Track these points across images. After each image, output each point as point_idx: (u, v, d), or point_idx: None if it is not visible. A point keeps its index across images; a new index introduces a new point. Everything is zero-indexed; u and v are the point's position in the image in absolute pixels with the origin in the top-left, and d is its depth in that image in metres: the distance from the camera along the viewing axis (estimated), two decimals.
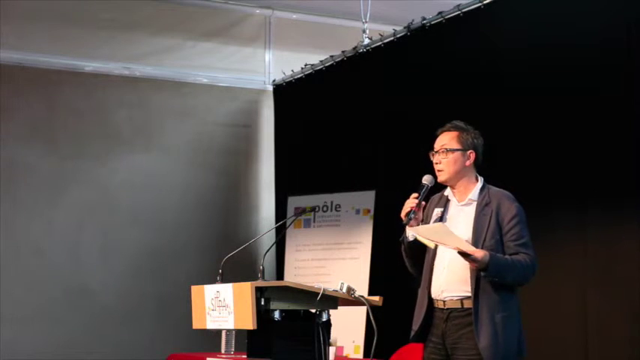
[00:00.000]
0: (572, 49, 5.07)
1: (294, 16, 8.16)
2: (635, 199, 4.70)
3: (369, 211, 6.80)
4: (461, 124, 4.19)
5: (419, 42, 6.35)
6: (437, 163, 4.13)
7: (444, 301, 4.03)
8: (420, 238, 4.02)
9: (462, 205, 4.12)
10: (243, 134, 8.07)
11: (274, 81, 8.04)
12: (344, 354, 6.48)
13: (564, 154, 5.12)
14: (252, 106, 8.12)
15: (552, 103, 5.21)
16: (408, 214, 4.07)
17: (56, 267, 7.31)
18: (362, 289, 6.19)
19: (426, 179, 4.15)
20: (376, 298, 4.13)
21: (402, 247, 4.20)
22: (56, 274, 7.30)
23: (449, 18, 6.03)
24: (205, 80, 7.92)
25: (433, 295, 4.08)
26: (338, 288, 4.01)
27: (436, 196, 4.26)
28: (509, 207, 4.03)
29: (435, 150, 4.15)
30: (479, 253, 3.87)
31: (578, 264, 4.98)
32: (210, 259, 6.76)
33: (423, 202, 4.13)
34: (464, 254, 3.88)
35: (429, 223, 4.12)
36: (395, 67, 6.61)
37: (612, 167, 4.83)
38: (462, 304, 3.99)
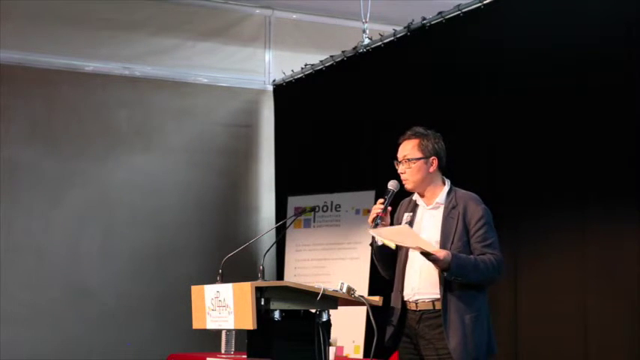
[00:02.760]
0: (572, 49, 5.06)
1: (294, 16, 8.16)
2: (635, 199, 4.69)
3: (369, 211, 6.76)
4: (420, 129, 4.25)
5: (419, 42, 6.35)
6: (402, 173, 4.21)
7: (417, 303, 4.11)
8: (380, 239, 4.10)
9: (430, 209, 4.21)
10: (243, 134, 8.07)
11: (274, 81, 8.04)
12: (344, 354, 6.48)
13: (564, 154, 5.12)
14: (252, 106, 8.12)
15: (552, 103, 5.21)
16: (374, 219, 4.15)
17: (56, 267, 7.31)
18: (362, 289, 6.19)
19: (392, 184, 4.23)
20: (376, 298, 4.13)
21: (372, 251, 4.28)
22: (56, 274, 7.30)
23: (449, 18, 6.02)
24: (205, 80, 7.92)
25: (406, 298, 4.15)
26: (338, 288, 4.02)
27: (405, 201, 4.34)
28: (475, 209, 4.10)
29: (398, 160, 4.22)
30: (440, 253, 3.95)
31: (578, 264, 4.98)
32: (210, 259, 6.75)
33: (390, 207, 4.20)
34: (426, 254, 3.95)
35: (388, 224, 4.19)
36: (395, 67, 6.61)
37: (612, 167, 4.83)
38: (433, 305, 4.07)
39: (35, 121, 7.35)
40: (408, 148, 4.21)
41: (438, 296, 4.04)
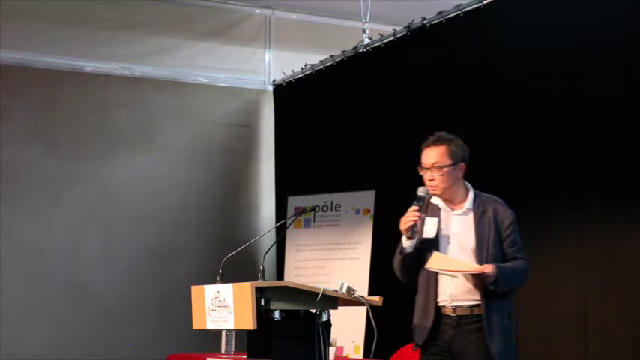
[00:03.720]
0: (572, 49, 5.06)
1: (294, 16, 8.16)
2: (635, 199, 4.69)
3: (369, 211, 6.80)
4: (446, 135, 4.24)
5: (419, 42, 6.35)
6: (430, 180, 4.18)
7: (454, 309, 4.13)
8: (444, 273, 4.09)
9: (460, 215, 4.20)
10: (243, 134, 8.07)
11: (274, 81, 8.04)
12: (344, 354, 6.48)
13: (564, 154, 5.12)
14: (252, 106, 8.12)
15: (552, 103, 5.21)
16: (411, 227, 4.12)
17: (56, 267, 7.31)
18: (362, 289, 6.19)
19: (422, 191, 4.20)
20: (376, 298, 4.13)
21: (399, 257, 4.23)
22: (56, 274, 7.30)
23: (449, 18, 6.02)
24: (205, 80, 7.92)
25: (441, 304, 4.16)
26: (338, 288, 4.02)
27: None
28: (504, 214, 4.17)
29: (426, 167, 4.19)
30: (488, 269, 4.01)
31: (578, 264, 4.98)
32: (210, 259, 6.75)
33: (423, 214, 4.18)
34: (478, 275, 4.01)
35: (421, 231, 4.18)
36: (395, 67, 6.61)
37: (612, 167, 4.83)
38: (471, 310, 4.11)
39: (35, 121, 7.35)
40: (437, 155, 4.18)
41: (476, 302, 4.10)
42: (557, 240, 5.13)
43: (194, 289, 4.29)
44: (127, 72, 7.65)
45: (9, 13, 7.19)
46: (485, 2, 5.70)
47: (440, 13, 6.10)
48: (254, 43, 8.08)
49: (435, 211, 4.23)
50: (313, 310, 4.05)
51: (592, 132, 4.95)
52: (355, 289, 4.05)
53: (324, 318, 4.06)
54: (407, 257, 4.19)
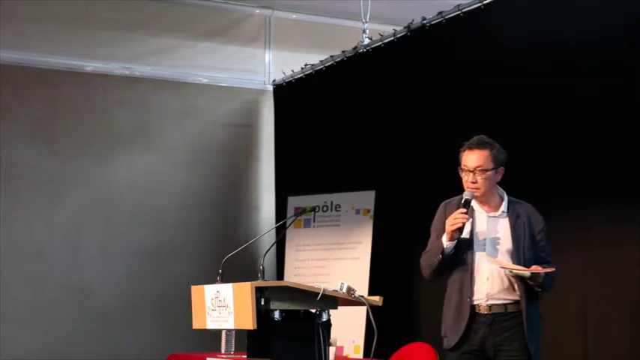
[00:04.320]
0: (573, 48, 5.06)
1: (294, 16, 8.16)
2: (635, 199, 4.69)
3: (369, 211, 6.79)
4: (487, 139, 4.31)
5: (419, 42, 6.35)
6: (473, 182, 4.23)
7: (490, 307, 4.19)
8: (518, 273, 4.14)
9: (497, 217, 4.27)
10: (243, 134, 8.07)
11: (274, 81, 8.04)
12: (344, 354, 6.48)
13: (565, 154, 5.12)
14: (252, 106, 8.12)
15: (552, 102, 5.21)
16: (460, 229, 4.17)
17: (56, 267, 7.30)
18: (362, 289, 6.19)
19: (468, 195, 4.24)
20: (376, 298, 4.13)
21: (437, 258, 4.23)
22: (56, 274, 7.30)
23: (449, 18, 6.02)
24: (205, 80, 7.92)
25: (476, 302, 4.20)
26: (338, 288, 4.01)
27: (454, 203, 4.33)
28: (537, 219, 4.29)
29: (470, 169, 4.23)
30: (539, 269, 4.11)
31: (579, 264, 4.98)
32: (210, 259, 6.76)
33: (468, 216, 4.22)
34: (531, 276, 4.11)
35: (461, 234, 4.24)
36: (395, 67, 6.61)
37: (613, 167, 4.83)
38: (506, 308, 4.19)
39: (35, 121, 7.35)
40: (482, 159, 4.24)
41: (511, 300, 4.18)
42: (558, 240, 5.11)
43: (194, 289, 4.28)
44: (127, 72, 7.65)
45: (9, 13, 7.19)
46: (485, 2, 5.70)
47: (440, 13, 6.10)
48: (254, 43, 8.08)
49: (469, 212, 4.25)
50: (313, 310, 4.04)
51: (592, 132, 4.95)
52: (355, 289, 4.05)
53: (324, 318, 4.06)
54: (446, 258, 4.23)
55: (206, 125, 7.90)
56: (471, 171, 4.23)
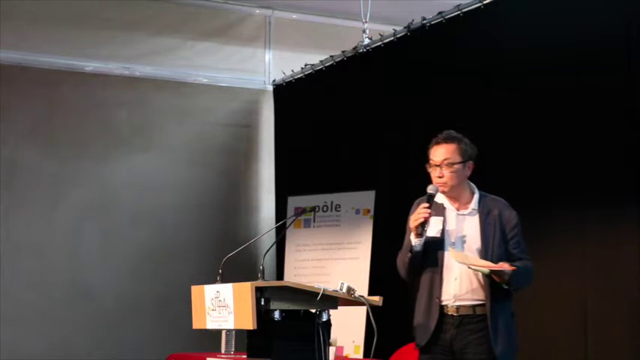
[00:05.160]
0: (572, 48, 5.06)
1: (294, 16, 8.16)
2: (634, 198, 4.69)
3: (369, 211, 6.80)
4: (456, 134, 4.25)
5: (419, 42, 6.35)
6: (440, 177, 4.17)
7: (457, 308, 4.12)
8: (475, 268, 4.07)
9: (465, 215, 4.21)
10: (243, 134, 8.07)
11: (274, 81, 8.04)
12: (344, 354, 6.48)
13: (564, 154, 5.12)
14: (252, 106, 8.12)
15: (552, 103, 5.21)
16: (421, 225, 4.11)
17: (56, 267, 7.31)
18: (362, 289, 6.19)
19: (432, 189, 4.18)
20: (376, 298, 4.13)
21: (407, 256, 4.19)
22: (56, 274, 7.30)
23: (449, 18, 6.02)
24: (205, 80, 7.92)
25: (444, 303, 4.14)
26: (338, 288, 4.02)
27: (420, 201, 4.26)
28: (509, 215, 4.20)
29: (436, 163, 4.18)
30: (505, 266, 4.03)
31: (578, 264, 4.98)
32: (210, 259, 6.75)
33: (432, 212, 4.15)
34: (496, 272, 4.02)
35: (426, 229, 4.15)
36: (395, 67, 6.61)
37: (612, 167, 4.83)
38: (474, 310, 4.11)
39: (35, 121, 7.35)
40: (448, 152, 4.18)
41: (479, 302, 4.11)
42: (557, 240, 5.13)
43: (194, 289, 4.29)
44: (127, 72, 7.65)
45: (9, 13, 7.19)
46: (485, 2, 5.70)
47: (440, 13, 6.10)
48: (254, 43, 8.08)
49: (440, 210, 4.21)
50: (313, 310, 4.05)
51: (592, 132, 4.95)
52: (355, 289, 4.05)
53: (324, 318, 4.06)
54: (415, 256, 4.17)
55: (206, 125, 7.90)
56: (438, 165, 4.17)
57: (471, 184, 4.28)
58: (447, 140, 4.21)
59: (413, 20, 6.39)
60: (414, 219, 4.12)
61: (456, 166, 4.16)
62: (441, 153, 4.19)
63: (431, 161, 4.22)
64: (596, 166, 4.91)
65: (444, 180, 4.17)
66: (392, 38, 6.61)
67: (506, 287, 4.07)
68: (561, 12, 5.17)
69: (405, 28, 6.46)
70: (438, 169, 4.18)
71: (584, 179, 4.98)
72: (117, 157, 7.58)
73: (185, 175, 7.78)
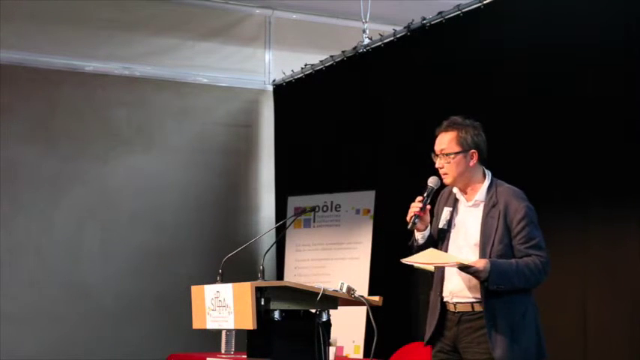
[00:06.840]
0: (572, 48, 5.06)
1: (294, 16, 8.16)
2: (636, 198, 4.69)
3: (369, 211, 6.80)
4: (459, 120, 4.03)
5: (419, 42, 6.35)
6: (440, 167, 4.00)
7: (455, 305, 3.96)
8: (419, 266, 3.99)
9: (470, 207, 4.00)
10: (243, 134, 8.07)
11: (274, 81, 8.04)
12: (344, 354, 6.48)
13: (565, 154, 5.12)
14: (252, 106, 8.12)
15: (552, 102, 5.21)
16: (412, 218, 3.98)
17: (56, 267, 7.31)
18: (362, 289, 6.19)
19: (432, 181, 4.03)
20: (376, 298, 4.12)
21: (412, 251, 4.09)
22: (56, 273, 7.30)
23: (449, 18, 6.02)
24: (205, 80, 7.92)
25: (445, 299, 4.01)
26: (338, 288, 4.01)
27: (445, 191, 4.14)
28: (516, 207, 3.89)
29: (436, 153, 4.02)
30: (479, 264, 3.78)
31: (579, 264, 4.98)
32: (210, 259, 6.75)
33: (429, 206, 4.01)
34: (464, 268, 3.81)
35: (439, 221, 4.05)
36: (395, 67, 6.61)
37: (613, 167, 4.82)
38: (472, 307, 3.91)
39: (35, 121, 7.35)
40: (446, 142, 3.96)
41: (476, 300, 3.89)
42: (558, 240, 5.11)
43: (194, 289, 4.29)
44: (127, 72, 7.65)
45: (9, 13, 7.19)
46: (485, 2, 5.70)
47: (440, 13, 6.10)
48: (254, 43, 8.08)
49: (452, 201, 4.06)
50: (313, 310, 4.05)
51: (592, 132, 4.95)
52: (355, 289, 4.04)
53: (324, 318, 4.06)
54: (419, 249, 4.02)
55: (206, 125, 7.90)
56: (438, 155, 3.98)
57: (487, 172, 4.05)
58: (447, 128, 4.00)
59: (413, 20, 6.39)
60: (408, 213, 3.99)
61: (453, 156, 3.95)
62: (439, 142, 4.00)
63: (434, 150, 4.04)
64: (597, 166, 4.91)
65: (444, 171, 3.98)
66: (392, 38, 6.61)
67: (485, 285, 3.78)
68: (561, 12, 5.17)
69: (405, 28, 6.46)
70: (438, 159, 4.00)
71: (586, 179, 4.97)
72: (117, 157, 7.58)
73: (185, 175, 7.78)
